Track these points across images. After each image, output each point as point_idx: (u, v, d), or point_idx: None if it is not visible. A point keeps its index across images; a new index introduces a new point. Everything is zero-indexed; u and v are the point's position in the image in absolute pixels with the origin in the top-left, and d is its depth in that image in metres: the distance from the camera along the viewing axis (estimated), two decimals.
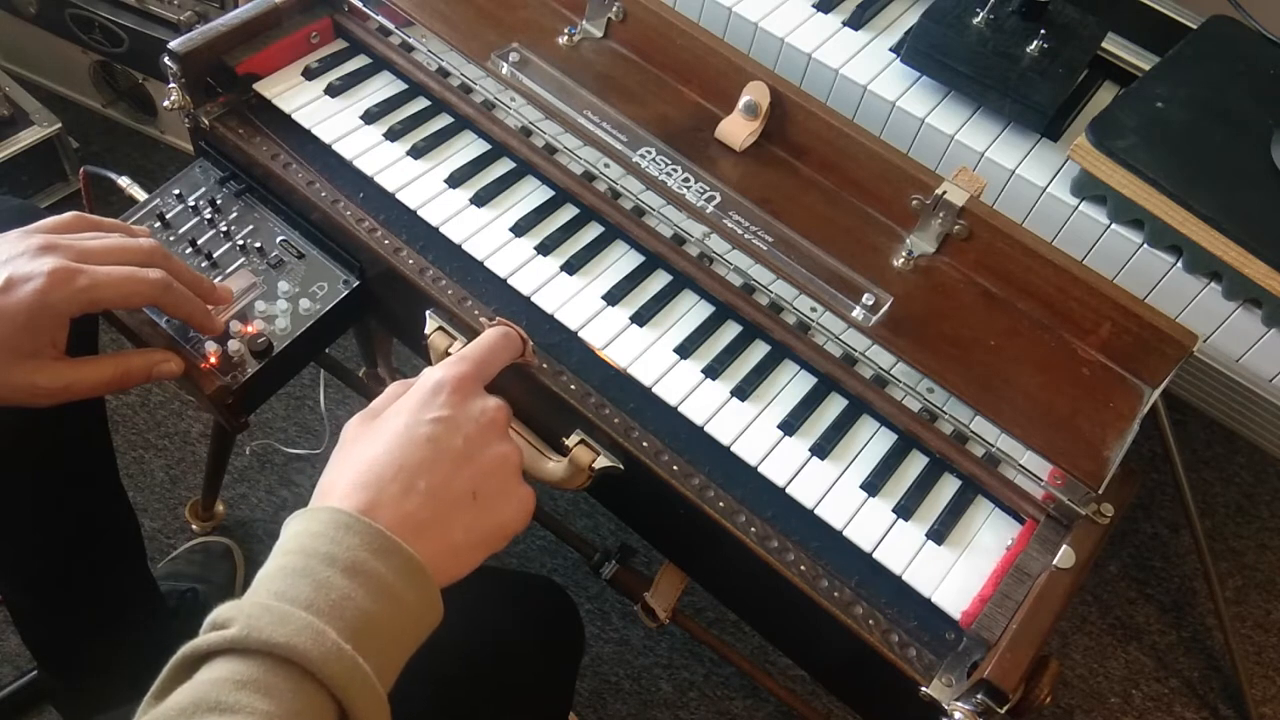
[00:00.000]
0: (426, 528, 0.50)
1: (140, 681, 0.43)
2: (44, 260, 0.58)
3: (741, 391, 0.69)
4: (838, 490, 0.66)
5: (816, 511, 0.65)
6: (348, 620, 0.44)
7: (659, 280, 0.75)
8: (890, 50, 0.89)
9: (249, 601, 0.43)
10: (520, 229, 0.75)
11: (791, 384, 0.71)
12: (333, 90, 0.80)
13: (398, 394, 0.56)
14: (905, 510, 0.66)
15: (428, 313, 0.71)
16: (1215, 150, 0.80)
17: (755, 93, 0.74)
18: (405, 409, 0.54)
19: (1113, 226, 0.79)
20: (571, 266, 0.73)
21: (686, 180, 0.73)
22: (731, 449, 0.67)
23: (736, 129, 0.75)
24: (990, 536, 0.67)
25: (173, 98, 0.76)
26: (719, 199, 0.72)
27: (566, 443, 0.67)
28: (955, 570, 0.64)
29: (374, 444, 0.53)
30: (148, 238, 0.66)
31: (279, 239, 0.77)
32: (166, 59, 0.74)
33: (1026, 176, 0.82)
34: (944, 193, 0.70)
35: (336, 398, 1.34)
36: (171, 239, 0.76)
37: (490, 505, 0.53)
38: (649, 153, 0.74)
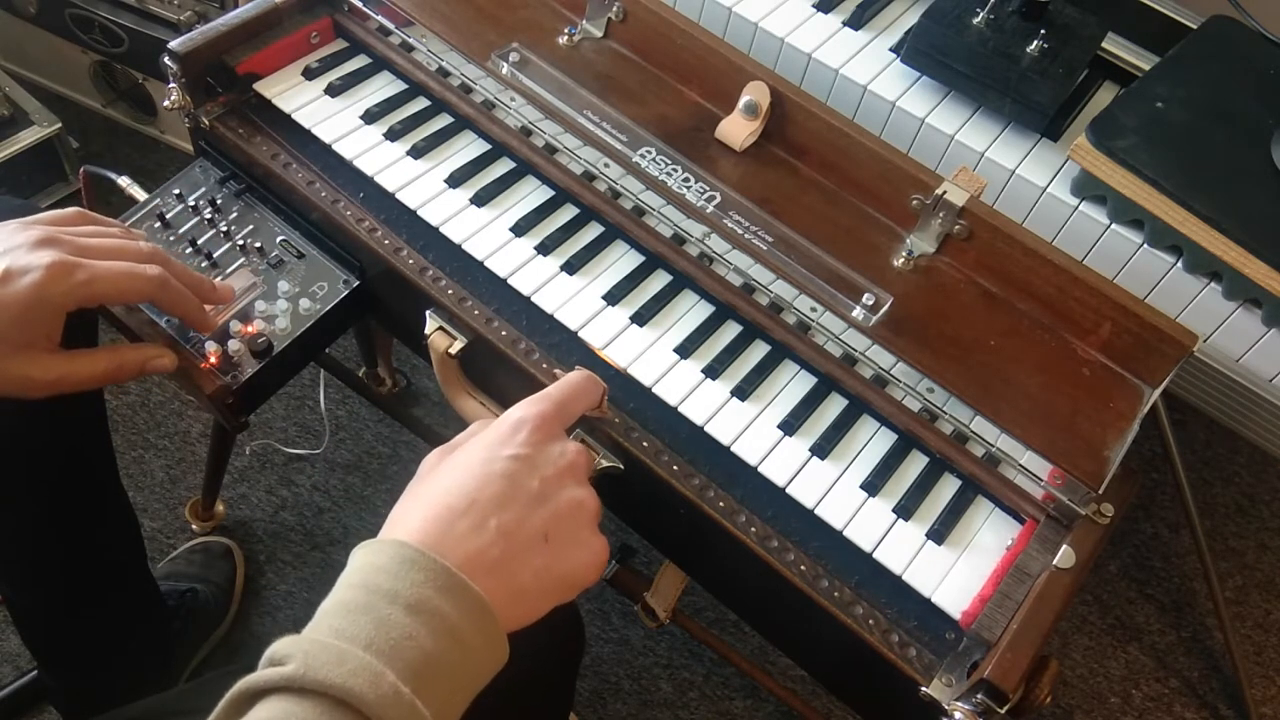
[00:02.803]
0: (495, 567, 0.48)
1: (140, 681, 0.43)
2: (42, 253, 0.58)
3: (741, 391, 0.69)
4: (838, 490, 0.66)
5: (816, 511, 0.65)
6: (408, 661, 0.42)
7: (659, 280, 0.75)
8: (890, 50, 0.89)
9: (308, 638, 0.42)
10: (520, 229, 0.75)
11: (791, 384, 0.71)
12: (333, 90, 0.80)
13: (479, 430, 0.55)
14: (905, 510, 0.66)
15: (428, 313, 0.71)
16: (1215, 150, 0.80)
17: (755, 93, 0.74)
18: (484, 444, 0.53)
19: (1113, 226, 0.79)
20: (571, 266, 0.73)
21: (686, 180, 0.73)
22: (731, 449, 0.67)
23: (736, 129, 0.75)
24: (990, 536, 0.67)
25: (173, 98, 0.76)
26: (719, 199, 0.72)
27: None
28: (955, 570, 0.64)
29: (448, 477, 0.51)
30: (146, 241, 0.66)
31: (279, 239, 0.77)
32: (166, 59, 0.74)
33: (1026, 176, 0.82)
34: (944, 193, 0.70)
35: (336, 398, 1.34)
36: (171, 239, 0.76)
37: (562, 551, 0.51)
38: (649, 153, 0.74)
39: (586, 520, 0.53)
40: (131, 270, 0.61)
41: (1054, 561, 0.62)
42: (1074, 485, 0.64)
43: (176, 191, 0.78)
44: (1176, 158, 0.77)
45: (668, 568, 0.92)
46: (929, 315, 0.69)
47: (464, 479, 0.50)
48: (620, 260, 0.75)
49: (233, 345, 0.71)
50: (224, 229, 0.77)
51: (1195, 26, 0.89)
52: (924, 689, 0.59)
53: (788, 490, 0.66)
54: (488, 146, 0.80)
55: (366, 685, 0.40)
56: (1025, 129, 0.84)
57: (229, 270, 0.75)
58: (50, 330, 0.60)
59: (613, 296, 0.72)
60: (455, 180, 0.76)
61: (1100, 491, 0.63)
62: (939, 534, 0.65)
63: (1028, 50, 0.82)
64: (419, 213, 0.74)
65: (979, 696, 0.57)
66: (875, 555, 0.64)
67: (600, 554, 0.53)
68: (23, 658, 1.08)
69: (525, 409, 0.55)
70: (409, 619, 0.43)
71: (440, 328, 0.71)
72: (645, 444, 0.66)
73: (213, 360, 0.70)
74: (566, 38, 0.80)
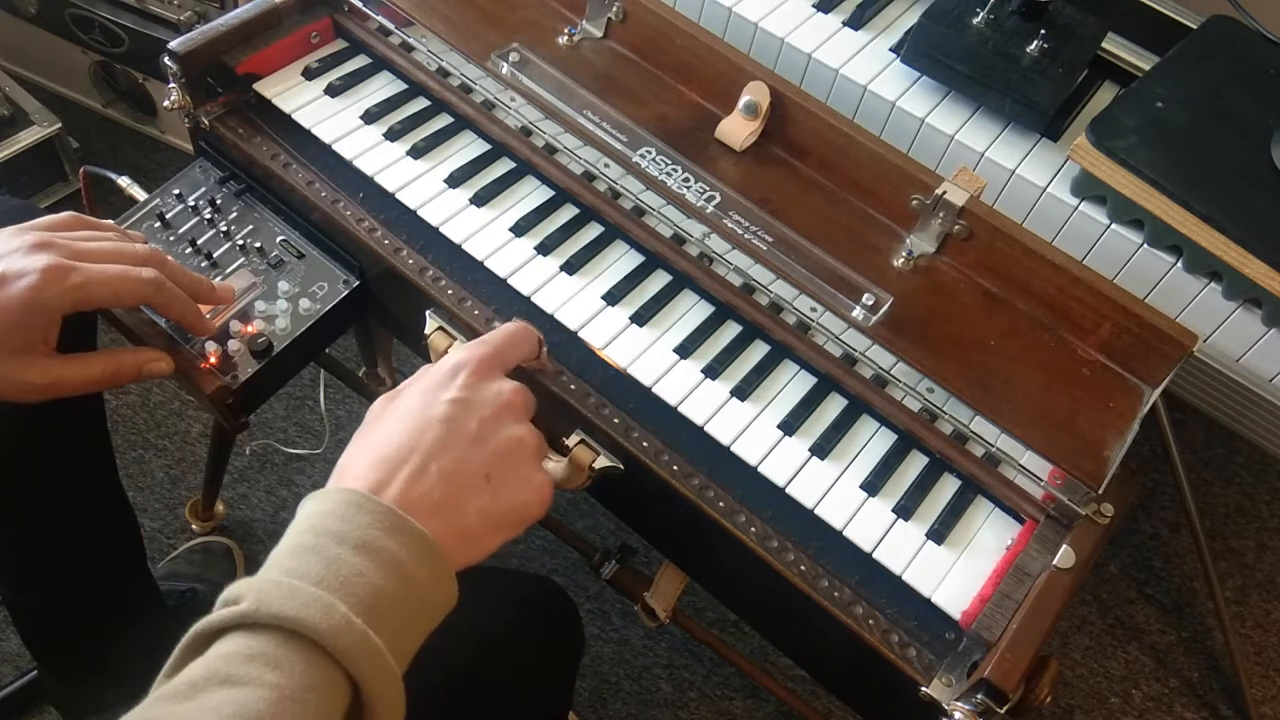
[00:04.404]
0: (439, 508, 0.50)
1: (140, 681, 0.43)
2: (38, 257, 0.58)
3: (741, 391, 0.69)
4: (838, 490, 0.66)
5: (816, 511, 0.65)
6: (359, 596, 0.44)
7: (659, 280, 0.75)
8: (890, 50, 0.89)
9: (260, 578, 0.44)
10: (520, 229, 0.75)
11: (791, 384, 0.71)
12: (333, 90, 0.80)
13: (421, 376, 0.56)
14: (905, 510, 0.66)
15: (428, 313, 0.71)
16: (1215, 150, 0.80)
17: (755, 93, 0.74)
18: (423, 389, 0.55)
19: (1113, 226, 0.79)
20: (571, 266, 0.73)
21: (686, 180, 0.73)
22: (731, 449, 0.67)
23: (736, 129, 0.75)
24: (990, 536, 0.67)
25: (173, 98, 0.76)
26: (719, 199, 0.72)
27: (566, 443, 0.67)
28: (955, 570, 0.64)
29: (391, 424, 0.53)
30: (144, 243, 0.66)
31: (279, 239, 0.77)
32: (166, 59, 0.74)
33: (1026, 176, 0.82)
34: (944, 193, 0.70)
35: (336, 398, 1.34)
36: (171, 239, 0.76)
37: (504, 489, 0.53)
38: (649, 153, 0.74)
39: (527, 456, 0.55)
40: (126, 273, 0.61)
41: (1054, 561, 0.62)
42: (1074, 485, 0.64)
43: (176, 191, 0.78)
44: (1176, 158, 0.77)
45: (668, 568, 0.92)
46: (929, 315, 0.69)
47: (405, 425, 0.52)
48: (620, 260, 0.75)
49: (232, 345, 0.71)
50: (224, 229, 0.77)
51: (1195, 26, 0.89)
52: (924, 689, 0.59)
53: (788, 490, 0.66)
54: (488, 146, 0.80)
55: (319, 616, 0.42)
56: (1025, 129, 0.84)
57: (229, 270, 0.75)
58: (46, 334, 0.60)
59: (613, 296, 0.72)
60: (455, 180, 0.76)
61: (1100, 491, 0.63)
62: (939, 534, 0.65)
63: (1028, 50, 0.82)
64: (419, 213, 0.74)
65: (979, 696, 0.57)
66: (875, 555, 0.64)
67: (543, 489, 0.55)
68: (23, 658, 1.08)
69: (461, 353, 0.57)
70: (357, 557, 0.45)
71: (440, 328, 0.71)
72: (645, 444, 0.66)
73: (212, 360, 0.70)
74: (566, 38, 0.80)
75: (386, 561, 0.45)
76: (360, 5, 0.81)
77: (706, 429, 0.67)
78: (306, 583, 0.43)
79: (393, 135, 0.78)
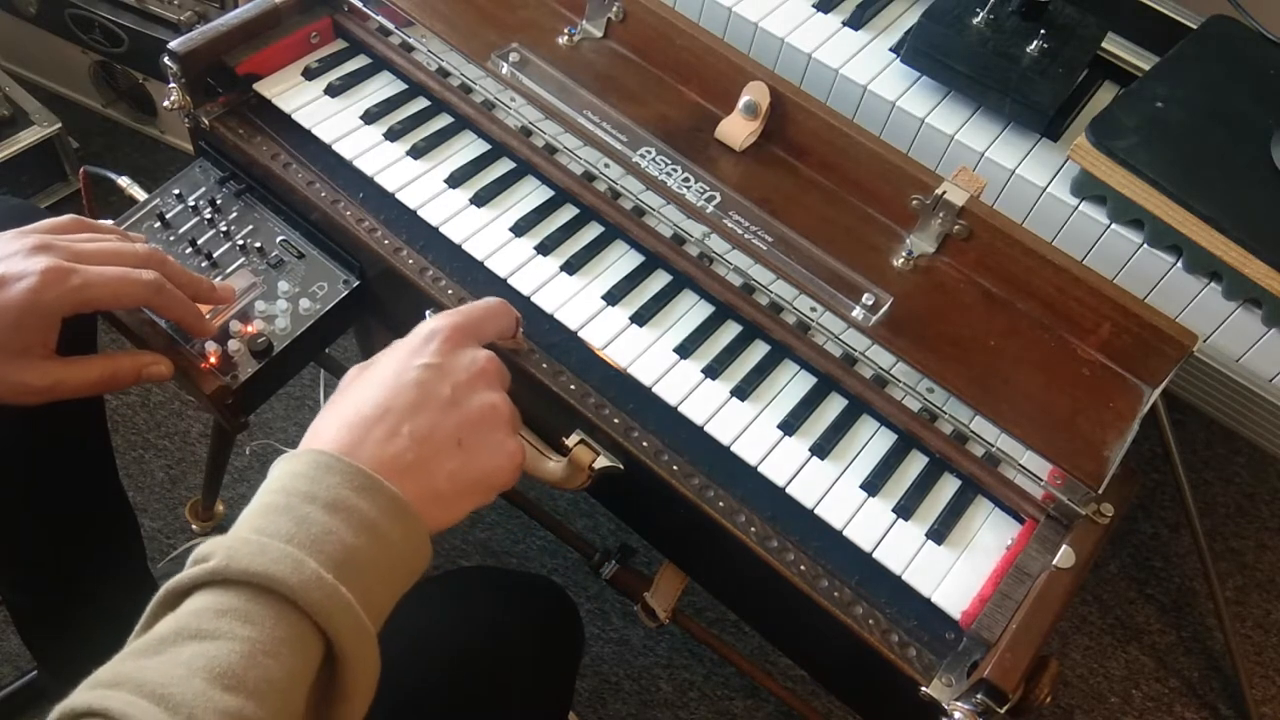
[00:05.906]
0: (410, 470, 0.50)
1: None
2: (37, 259, 0.58)
3: (741, 391, 0.69)
4: (838, 490, 0.66)
5: (816, 511, 0.65)
6: (329, 553, 0.44)
7: (659, 280, 0.75)
8: (890, 50, 0.89)
9: (230, 536, 0.44)
10: (520, 229, 0.75)
11: (791, 384, 0.71)
12: (333, 90, 0.80)
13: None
14: (905, 510, 0.66)
15: (427, 313, 0.71)
16: (1215, 150, 0.80)
17: (755, 93, 0.74)
18: (397, 355, 0.55)
19: (1113, 226, 0.79)
20: (571, 266, 0.73)
21: (686, 180, 0.73)
22: (731, 449, 0.67)
23: (736, 129, 0.75)
24: (990, 536, 0.67)
25: (173, 98, 0.76)
26: (719, 199, 0.72)
27: (566, 443, 0.67)
28: (955, 570, 0.64)
29: (364, 389, 0.53)
30: (144, 244, 0.66)
31: (279, 239, 0.77)
32: (166, 59, 0.74)
33: (1026, 176, 0.82)
34: (944, 193, 0.70)
35: None
36: (171, 239, 0.76)
37: (476, 454, 0.53)
38: (649, 153, 0.74)
39: (500, 423, 0.55)
40: (126, 275, 0.61)
41: (1054, 561, 0.62)
42: (1074, 485, 0.64)
43: (176, 191, 0.78)
44: (1176, 158, 0.77)
45: (668, 568, 0.92)
46: (929, 315, 0.69)
47: (378, 389, 0.52)
48: (620, 260, 0.75)
49: (232, 345, 0.71)
50: (224, 229, 0.77)
51: (1195, 26, 0.89)
52: (924, 689, 0.59)
53: (788, 490, 0.66)
54: (488, 146, 0.80)
55: (289, 571, 0.42)
56: (1025, 129, 0.84)
57: (229, 270, 0.75)
58: (45, 336, 0.60)
59: (612, 296, 0.72)
60: (455, 180, 0.76)
61: (1100, 491, 0.63)
62: (939, 534, 0.65)
63: (1028, 50, 0.82)
64: (419, 213, 0.74)
65: (979, 696, 0.57)
66: (875, 555, 0.64)
67: (514, 455, 0.55)
68: (23, 658, 1.08)
69: (437, 321, 0.57)
70: (328, 516, 0.45)
71: None
72: (645, 444, 0.66)
73: (212, 360, 0.70)
74: (566, 38, 0.80)
75: (357, 521, 0.46)
76: (360, 5, 0.81)
77: (706, 429, 0.67)
78: (277, 539, 0.43)
79: (393, 135, 0.78)
